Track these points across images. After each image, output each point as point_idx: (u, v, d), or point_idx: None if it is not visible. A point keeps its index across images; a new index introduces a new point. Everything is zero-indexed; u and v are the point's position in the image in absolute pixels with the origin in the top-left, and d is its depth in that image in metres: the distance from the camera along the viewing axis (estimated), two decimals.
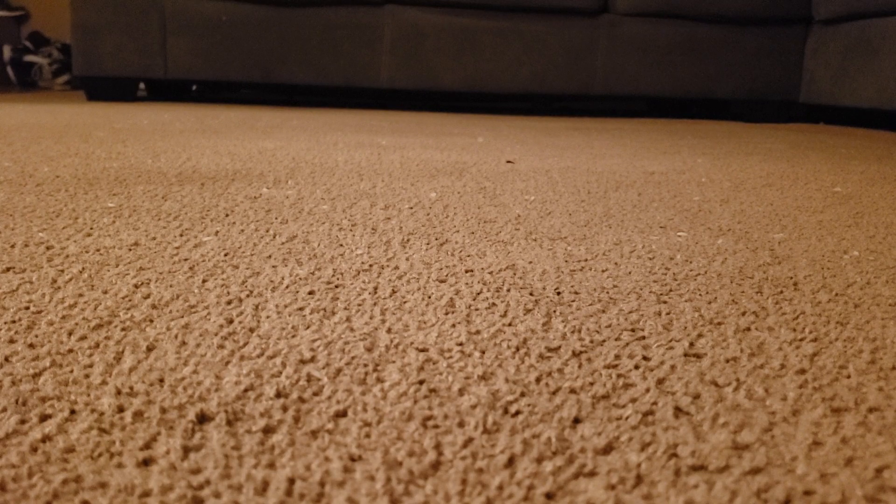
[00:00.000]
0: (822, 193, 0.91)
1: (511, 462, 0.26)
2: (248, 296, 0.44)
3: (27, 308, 0.41)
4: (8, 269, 0.48)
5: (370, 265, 0.52)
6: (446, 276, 0.50)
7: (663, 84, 2.31)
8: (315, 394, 0.31)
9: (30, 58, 3.09)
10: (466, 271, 0.51)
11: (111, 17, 2.09)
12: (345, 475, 0.25)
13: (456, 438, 0.28)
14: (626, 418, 0.30)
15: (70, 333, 0.37)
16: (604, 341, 0.39)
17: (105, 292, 0.44)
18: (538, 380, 0.33)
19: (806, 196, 0.89)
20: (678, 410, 0.31)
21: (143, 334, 0.37)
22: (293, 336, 0.38)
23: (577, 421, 0.30)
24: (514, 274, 0.51)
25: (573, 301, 0.45)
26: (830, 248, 0.61)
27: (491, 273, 0.51)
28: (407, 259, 0.54)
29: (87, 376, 0.32)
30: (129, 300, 0.42)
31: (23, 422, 0.28)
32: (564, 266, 0.53)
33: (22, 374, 0.32)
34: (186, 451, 0.26)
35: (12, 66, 3.09)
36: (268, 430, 0.28)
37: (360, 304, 0.43)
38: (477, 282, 0.48)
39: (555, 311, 0.43)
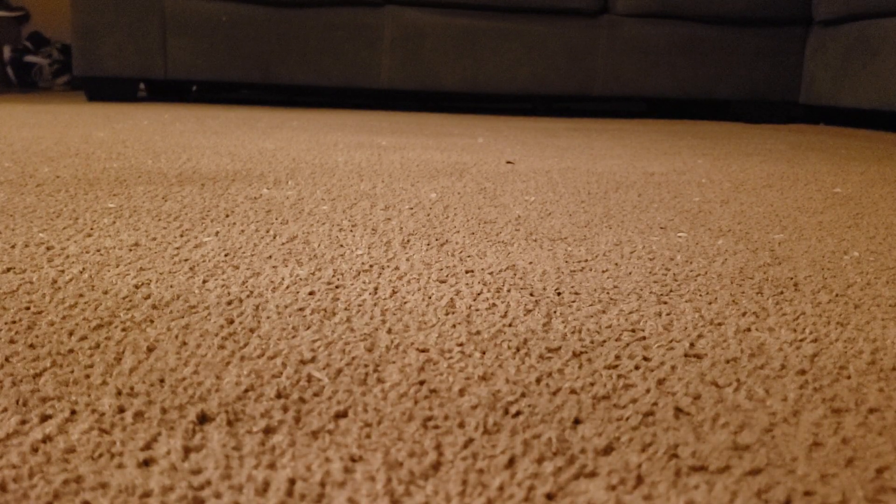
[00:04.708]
0: (823, 194, 0.91)
1: (511, 462, 0.26)
2: (248, 296, 0.44)
3: (27, 308, 0.41)
4: (8, 270, 0.48)
5: (370, 266, 0.52)
6: (447, 276, 0.50)
7: (663, 85, 2.31)
8: (315, 394, 0.31)
9: (30, 58, 3.09)
10: (467, 272, 0.51)
11: (111, 18, 2.09)
12: (345, 475, 0.25)
13: (456, 439, 0.28)
14: (627, 419, 0.30)
15: (70, 334, 0.37)
16: (604, 342, 0.39)
17: (105, 293, 0.44)
18: (538, 380, 0.33)
19: (806, 197, 0.89)
20: (678, 411, 0.31)
21: (143, 335, 0.37)
22: (293, 336, 0.38)
23: (577, 421, 0.30)
24: (515, 274, 0.51)
25: (573, 301, 0.45)
26: (831, 249, 0.61)
27: (491, 273, 0.51)
28: (407, 259, 0.54)
29: (87, 377, 0.32)
30: (130, 300, 0.42)
31: (23, 422, 0.28)
32: (565, 266, 0.53)
33: (22, 374, 0.32)
34: (187, 451, 0.26)
35: (12, 66, 3.10)
36: (268, 431, 0.28)
37: (360, 305, 0.43)
38: (477, 282, 0.48)
39: (555, 312, 0.43)
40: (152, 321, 0.39)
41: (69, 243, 0.55)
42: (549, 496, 0.24)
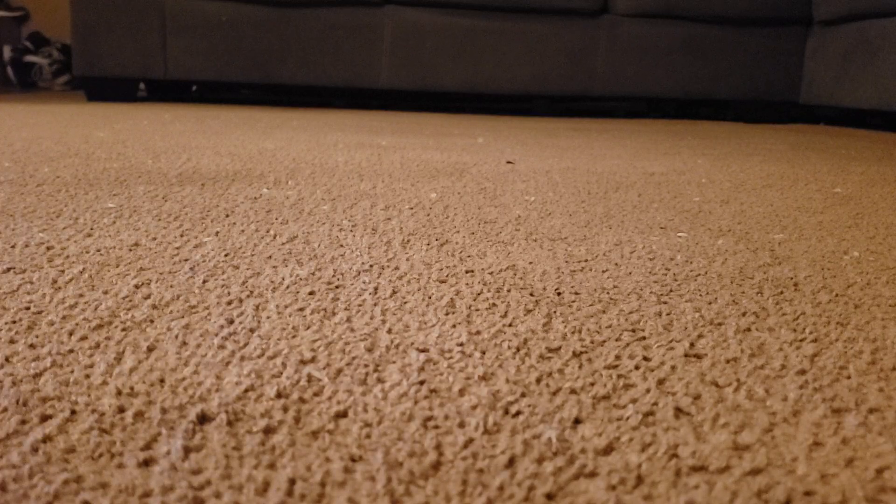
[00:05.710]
0: (823, 194, 0.91)
1: (512, 462, 0.26)
2: (248, 296, 0.44)
3: (28, 308, 0.41)
4: (8, 270, 0.48)
5: (370, 265, 0.52)
6: (447, 276, 0.50)
7: (663, 85, 2.31)
8: (316, 394, 0.31)
9: (30, 58, 3.09)
10: (467, 272, 0.51)
11: (111, 17, 2.09)
12: (345, 475, 0.25)
13: (456, 439, 0.28)
14: (627, 419, 0.30)
15: (71, 334, 0.37)
16: (604, 342, 0.39)
17: (105, 293, 0.44)
18: (539, 380, 0.33)
19: (806, 197, 0.89)
20: (679, 411, 0.31)
21: (143, 335, 0.37)
22: (294, 336, 0.38)
23: (577, 421, 0.30)
24: (515, 274, 0.51)
25: (573, 301, 0.45)
26: (831, 249, 0.61)
27: (491, 273, 0.51)
28: (407, 259, 0.54)
29: (87, 377, 0.32)
30: (130, 300, 0.42)
31: (23, 422, 0.28)
32: (565, 266, 0.53)
33: (22, 374, 0.32)
34: (187, 451, 0.26)
35: (12, 66, 3.09)
36: (268, 431, 0.28)
37: (360, 305, 0.43)
38: (477, 282, 0.48)
39: (555, 312, 0.43)
40: (152, 321, 0.39)
41: (69, 243, 0.55)
42: (549, 496, 0.24)
